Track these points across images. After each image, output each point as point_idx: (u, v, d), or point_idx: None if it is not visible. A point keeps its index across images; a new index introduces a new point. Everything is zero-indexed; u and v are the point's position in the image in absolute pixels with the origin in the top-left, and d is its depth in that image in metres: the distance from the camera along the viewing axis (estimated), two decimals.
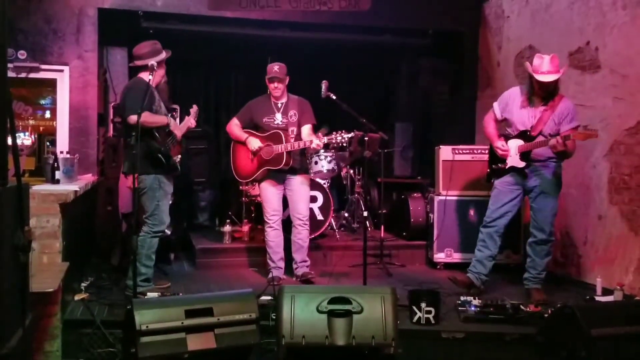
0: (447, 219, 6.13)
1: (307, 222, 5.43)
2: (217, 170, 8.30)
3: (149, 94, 4.55)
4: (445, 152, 6.20)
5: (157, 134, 4.64)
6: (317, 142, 5.05)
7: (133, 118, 4.39)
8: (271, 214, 5.35)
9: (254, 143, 5.26)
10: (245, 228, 6.66)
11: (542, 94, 4.72)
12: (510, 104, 4.91)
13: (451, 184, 6.13)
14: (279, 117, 5.32)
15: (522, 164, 4.83)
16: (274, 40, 7.22)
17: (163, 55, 4.85)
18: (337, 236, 6.77)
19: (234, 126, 5.44)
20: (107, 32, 6.63)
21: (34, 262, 3.56)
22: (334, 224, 6.84)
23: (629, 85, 5.07)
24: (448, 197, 6.12)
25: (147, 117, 4.44)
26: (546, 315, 4.01)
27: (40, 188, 4.27)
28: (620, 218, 5.17)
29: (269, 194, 5.35)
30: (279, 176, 5.33)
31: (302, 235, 5.39)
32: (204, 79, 8.63)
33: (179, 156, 4.91)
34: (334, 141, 5.05)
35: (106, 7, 6.37)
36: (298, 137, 5.27)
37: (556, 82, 4.67)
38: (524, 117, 4.83)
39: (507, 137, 4.95)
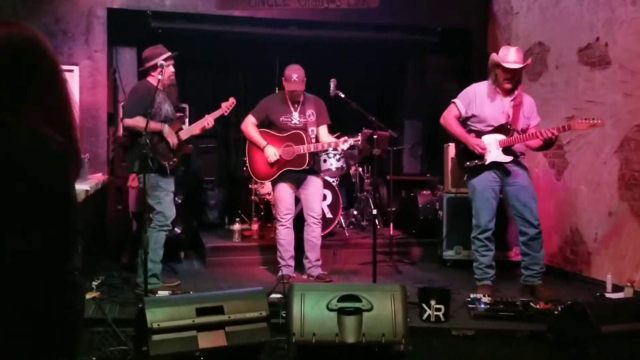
0: (457, 216, 6.12)
1: (321, 221, 5.47)
2: (227, 168, 8.33)
3: (146, 98, 4.71)
4: (453, 150, 6.17)
5: (148, 138, 4.59)
6: (343, 146, 5.03)
7: (125, 122, 4.88)
8: (285, 212, 5.35)
9: (273, 153, 5.23)
10: (255, 226, 6.68)
11: (507, 86, 4.74)
12: (478, 100, 4.86)
13: (460, 181, 6.11)
14: (295, 116, 5.31)
15: (507, 158, 4.79)
16: (283, 38, 7.24)
17: (169, 53, 4.91)
18: (347, 234, 6.78)
19: (250, 125, 5.40)
20: (116, 32, 6.67)
21: None
22: (343, 221, 6.85)
23: (639, 81, 5.05)
24: (457, 195, 6.11)
25: (130, 122, 4.79)
26: (556, 312, 4.01)
27: None
28: (630, 214, 5.14)
29: (284, 193, 5.35)
30: (298, 176, 5.33)
31: (315, 233, 5.41)
32: (212, 78, 8.66)
33: (175, 159, 4.91)
34: (353, 144, 5.04)
35: (115, 7, 6.40)
36: (316, 137, 5.28)
37: (520, 74, 4.79)
38: (495, 111, 4.81)
39: (477, 133, 4.86)
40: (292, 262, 5.44)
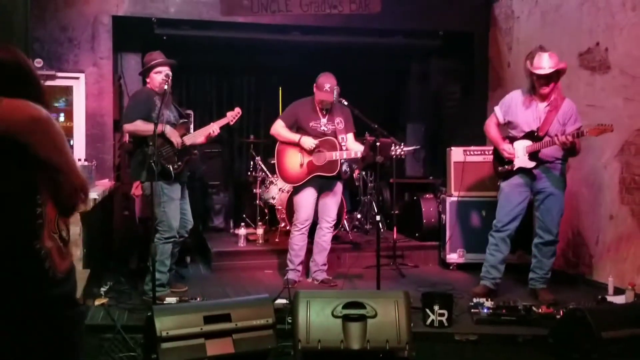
0: (459, 219, 6.19)
1: (334, 227, 5.54)
2: (231, 173, 8.39)
3: (146, 103, 4.80)
4: (456, 154, 6.25)
5: (150, 142, 4.58)
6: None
7: (125, 127, 4.90)
8: (304, 219, 5.36)
9: (309, 141, 5.23)
10: (260, 230, 6.74)
11: (543, 92, 4.78)
12: (513, 107, 4.97)
13: (463, 184, 6.19)
14: (323, 122, 5.33)
15: (531, 164, 4.87)
16: (286, 44, 7.31)
17: (160, 59, 4.97)
18: (350, 237, 6.83)
19: (281, 128, 5.37)
20: (121, 39, 6.74)
21: None
22: (347, 225, 6.91)
23: (639, 86, 5.10)
24: (460, 198, 6.18)
25: (130, 127, 4.82)
26: (558, 316, 4.06)
27: None
28: (631, 218, 5.20)
29: (308, 199, 5.34)
30: (324, 182, 5.35)
31: (326, 237, 5.46)
32: (216, 83, 8.74)
33: (180, 163, 4.89)
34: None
35: (120, 15, 6.47)
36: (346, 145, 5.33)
37: (557, 78, 4.77)
38: (529, 118, 4.89)
39: (511, 139, 4.99)
40: (300, 268, 5.50)
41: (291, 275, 5.41)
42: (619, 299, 4.76)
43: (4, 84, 1.93)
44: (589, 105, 5.56)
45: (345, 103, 5.15)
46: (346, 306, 3.48)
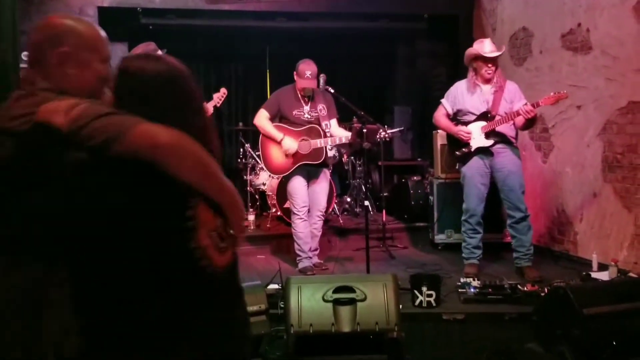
0: (447, 201, 6.29)
1: (324, 215, 5.61)
2: (221, 160, 8.43)
3: None
4: (442, 137, 6.30)
5: None
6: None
7: None
8: (301, 205, 5.39)
9: (291, 145, 5.24)
10: (251, 217, 6.82)
11: (488, 75, 5.03)
12: (459, 96, 5.19)
13: (449, 167, 6.26)
14: (307, 110, 5.35)
15: (489, 142, 5.03)
16: (272, 30, 7.34)
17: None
18: (341, 221, 6.94)
19: (264, 120, 5.35)
20: (107, 29, 6.66)
21: None
22: (337, 209, 7.00)
23: (620, 66, 5.19)
24: (447, 180, 6.27)
25: None
26: (543, 294, 4.18)
27: None
28: (614, 195, 5.32)
29: (300, 186, 5.37)
30: (311, 170, 5.40)
31: (317, 225, 5.50)
32: (203, 72, 8.75)
33: None
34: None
35: (105, 6, 6.48)
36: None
37: (497, 62, 5.10)
38: (476, 102, 5.09)
39: (464, 124, 5.14)
40: (311, 254, 5.45)
41: (305, 263, 5.37)
42: (603, 275, 4.88)
43: (145, 103, 1.67)
44: (572, 86, 5.65)
45: (332, 91, 5.20)
46: (336, 290, 3.57)
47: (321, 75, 5.23)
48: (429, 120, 7.95)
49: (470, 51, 5.12)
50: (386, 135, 5.19)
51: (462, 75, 7.60)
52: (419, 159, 7.91)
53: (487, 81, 5.08)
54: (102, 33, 1.86)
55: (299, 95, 5.38)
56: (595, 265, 5.19)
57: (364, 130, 4.84)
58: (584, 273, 5.04)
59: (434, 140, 6.46)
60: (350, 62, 8.47)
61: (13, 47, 4.65)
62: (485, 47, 5.03)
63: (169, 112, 1.67)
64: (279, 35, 7.55)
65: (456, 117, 5.26)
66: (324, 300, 3.55)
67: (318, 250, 5.63)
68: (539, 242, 6.00)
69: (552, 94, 4.85)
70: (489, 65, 5.02)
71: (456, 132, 5.12)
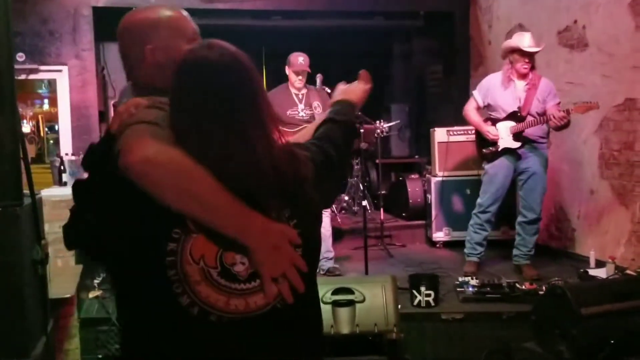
0: (445, 198, 6.30)
1: (327, 210, 5.48)
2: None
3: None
4: (440, 134, 6.33)
5: None
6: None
7: None
8: None
9: None
10: None
11: (524, 70, 4.88)
12: (492, 89, 5.05)
13: (447, 164, 6.28)
14: (301, 108, 5.24)
15: (516, 144, 4.96)
16: (268, 29, 7.32)
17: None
18: (339, 220, 6.93)
19: None
20: (103, 29, 6.72)
21: (50, 267, 3.73)
22: (335, 207, 7.00)
23: (616, 63, 5.19)
24: (444, 178, 6.28)
25: None
26: (541, 292, 4.19)
27: (50, 194, 4.42)
28: (611, 192, 5.32)
29: None
30: None
31: (324, 223, 5.25)
32: None
33: None
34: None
35: (100, 6, 6.46)
36: None
37: (534, 59, 4.90)
38: (508, 99, 4.97)
39: (493, 121, 5.07)
40: (329, 255, 5.24)
41: (328, 264, 5.20)
42: (600, 272, 4.90)
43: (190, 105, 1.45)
44: (569, 83, 5.65)
45: (329, 91, 5.19)
46: (335, 292, 3.57)
47: (318, 75, 5.22)
48: (426, 117, 8.02)
49: (509, 43, 4.97)
50: (383, 130, 5.15)
51: (458, 72, 7.67)
52: (416, 157, 7.92)
53: (522, 76, 4.93)
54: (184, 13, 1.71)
55: (292, 94, 5.27)
56: (592, 262, 5.20)
57: (362, 131, 4.82)
58: (582, 270, 5.04)
59: (431, 138, 6.45)
60: (346, 60, 8.40)
61: (7, 48, 4.62)
62: (524, 40, 4.86)
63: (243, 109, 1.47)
64: (274, 35, 7.52)
65: (488, 112, 5.15)
66: (323, 302, 3.53)
67: (333, 253, 5.33)
68: (537, 239, 5.97)
69: (583, 102, 4.71)
70: (526, 60, 4.86)
71: (485, 132, 5.04)
